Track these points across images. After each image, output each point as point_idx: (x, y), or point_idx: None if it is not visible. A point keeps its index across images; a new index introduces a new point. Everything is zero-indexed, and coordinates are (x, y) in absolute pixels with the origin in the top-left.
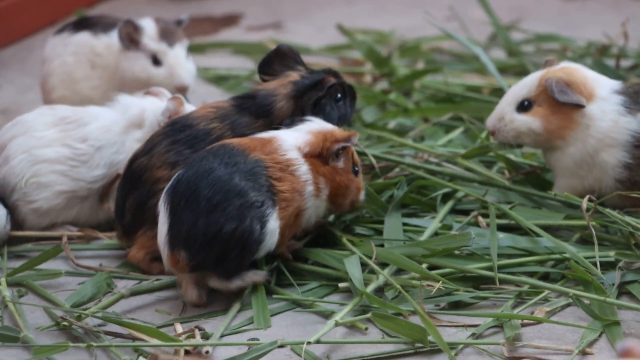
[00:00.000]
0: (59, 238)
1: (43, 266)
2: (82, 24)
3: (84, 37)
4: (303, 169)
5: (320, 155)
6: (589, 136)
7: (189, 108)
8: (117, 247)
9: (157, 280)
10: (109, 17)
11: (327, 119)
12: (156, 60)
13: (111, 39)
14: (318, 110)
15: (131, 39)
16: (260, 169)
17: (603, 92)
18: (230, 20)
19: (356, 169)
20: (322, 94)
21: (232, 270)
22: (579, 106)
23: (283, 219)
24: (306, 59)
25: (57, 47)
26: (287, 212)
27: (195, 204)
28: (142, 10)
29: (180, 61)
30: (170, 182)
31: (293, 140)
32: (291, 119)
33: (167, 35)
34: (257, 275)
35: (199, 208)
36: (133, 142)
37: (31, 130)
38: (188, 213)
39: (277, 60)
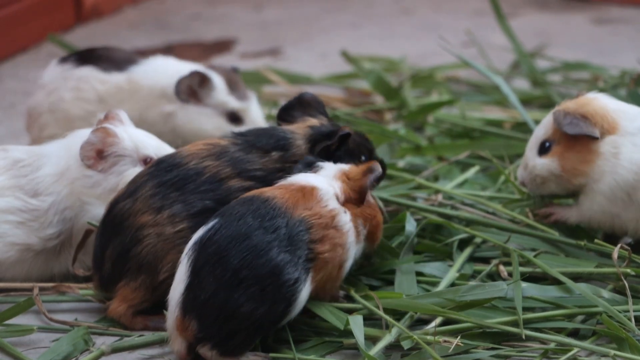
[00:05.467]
0: (30, 290)
1: (13, 321)
2: (87, 57)
3: (87, 72)
4: (345, 218)
5: (352, 199)
6: (617, 166)
7: (126, 135)
8: (95, 300)
9: (140, 336)
10: (120, 51)
11: None
12: (235, 118)
13: (119, 77)
14: (334, 162)
15: (192, 92)
16: (302, 234)
17: (628, 124)
18: (222, 46)
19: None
20: (332, 142)
21: (236, 348)
22: (593, 138)
23: (321, 279)
24: (307, 89)
25: (56, 80)
26: (327, 269)
27: (220, 272)
28: (122, 35)
29: (261, 117)
30: (199, 234)
31: (331, 188)
32: (305, 161)
33: (237, 87)
34: (256, 357)
35: (223, 279)
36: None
37: None
38: (211, 280)
39: (298, 107)
